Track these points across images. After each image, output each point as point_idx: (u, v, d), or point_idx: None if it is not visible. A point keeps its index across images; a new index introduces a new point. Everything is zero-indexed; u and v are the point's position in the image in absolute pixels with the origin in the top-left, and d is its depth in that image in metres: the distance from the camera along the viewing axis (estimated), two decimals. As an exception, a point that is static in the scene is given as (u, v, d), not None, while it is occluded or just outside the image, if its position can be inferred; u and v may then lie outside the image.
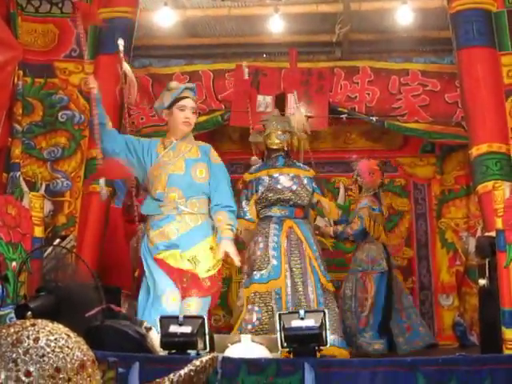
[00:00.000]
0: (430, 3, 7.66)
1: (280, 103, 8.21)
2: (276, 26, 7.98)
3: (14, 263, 4.85)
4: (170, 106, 5.79)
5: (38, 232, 5.24)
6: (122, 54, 6.15)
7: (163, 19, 7.98)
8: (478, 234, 8.07)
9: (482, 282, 6.51)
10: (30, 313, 3.70)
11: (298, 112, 7.52)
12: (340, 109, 8.47)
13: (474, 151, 6.60)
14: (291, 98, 8.10)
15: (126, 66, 6.16)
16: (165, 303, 5.18)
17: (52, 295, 4.05)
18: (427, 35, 8.21)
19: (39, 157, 6.94)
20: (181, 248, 5.40)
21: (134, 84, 6.20)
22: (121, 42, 6.15)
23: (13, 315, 4.62)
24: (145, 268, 5.49)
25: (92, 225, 6.68)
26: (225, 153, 8.53)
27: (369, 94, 8.43)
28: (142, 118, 8.50)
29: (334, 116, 8.42)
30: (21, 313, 4.01)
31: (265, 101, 8.31)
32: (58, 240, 6.02)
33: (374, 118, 8.31)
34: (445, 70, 8.15)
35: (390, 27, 8.13)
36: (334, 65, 8.55)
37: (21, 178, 6.60)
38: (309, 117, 8.05)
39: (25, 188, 6.48)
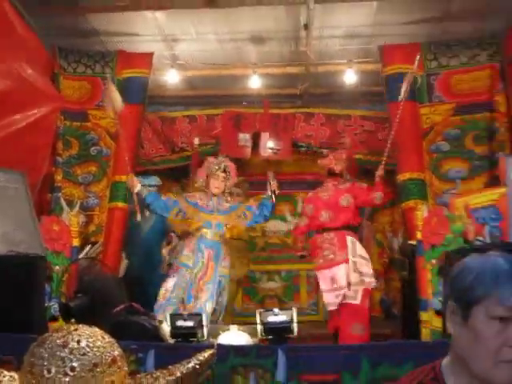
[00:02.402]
0: (368, 67, 7.63)
1: (256, 139, 8.19)
2: (254, 82, 7.91)
3: (57, 267, 4.80)
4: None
5: (75, 242, 5.19)
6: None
7: (170, 77, 7.90)
8: (400, 236, 8.12)
9: (404, 273, 6.58)
10: (73, 319, 3.61)
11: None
12: (300, 143, 8.48)
13: (400, 177, 6.67)
14: (264, 136, 8.10)
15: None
16: None
17: (87, 296, 4.00)
18: (365, 89, 8.17)
19: (75, 181, 6.94)
20: None
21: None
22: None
23: (56, 307, 4.58)
24: None
25: (115, 232, 6.70)
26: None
27: (321, 133, 8.43)
28: (152, 150, 8.42)
29: (295, 148, 8.39)
30: (63, 309, 3.97)
31: (245, 137, 8.29)
32: (89, 245, 5.96)
33: (324, 150, 8.29)
34: (378, 115, 8.17)
35: (338, 83, 8.07)
36: (296, 111, 8.51)
37: (61, 198, 6.54)
38: (278, 149, 8.08)
39: (64, 205, 6.40)
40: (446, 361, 1.51)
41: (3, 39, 5.58)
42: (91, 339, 1.45)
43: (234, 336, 3.75)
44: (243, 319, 6.90)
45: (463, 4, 6.43)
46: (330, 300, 5.79)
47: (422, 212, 4.96)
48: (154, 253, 7.13)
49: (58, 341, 1.43)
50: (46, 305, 4.48)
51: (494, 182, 5.59)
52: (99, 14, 6.74)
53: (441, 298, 4.25)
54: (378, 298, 8.62)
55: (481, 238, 4.04)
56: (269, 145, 8.16)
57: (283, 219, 8.27)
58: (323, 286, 5.90)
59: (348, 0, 6.41)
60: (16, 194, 4.43)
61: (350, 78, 7.81)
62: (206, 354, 2.10)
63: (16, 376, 1.64)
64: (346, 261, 5.76)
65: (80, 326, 1.51)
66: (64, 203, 6.40)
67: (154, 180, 7.32)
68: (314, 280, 7.37)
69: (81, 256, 5.44)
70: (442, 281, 4.24)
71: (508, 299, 1.36)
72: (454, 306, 1.44)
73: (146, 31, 7.12)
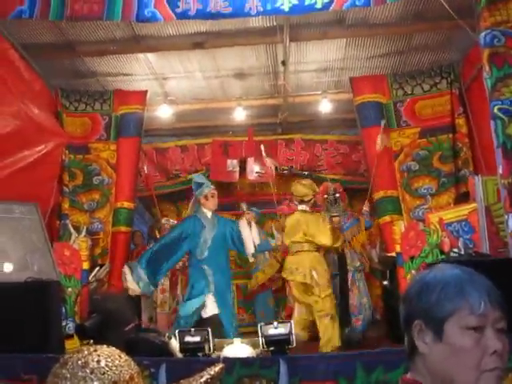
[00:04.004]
0: (341, 96, 7.70)
1: (242, 165, 8.20)
2: (238, 113, 7.97)
3: (69, 289, 4.74)
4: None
5: (85, 265, 5.13)
6: None
7: (163, 111, 7.91)
8: (377, 247, 8.11)
9: (385, 282, 6.56)
10: (91, 340, 3.55)
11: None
12: (282, 167, 8.48)
13: (376, 196, 6.70)
14: (250, 161, 8.09)
15: None
16: None
17: (100, 316, 3.93)
18: (338, 116, 8.25)
19: (81, 208, 6.92)
20: None
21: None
22: None
23: (71, 326, 4.51)
24: None
25: (119, 254, 6.64)
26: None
27: (301, 157, 8.47)
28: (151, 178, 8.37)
29: (278, 171, 8.40)
30: (80, 328, 3.90)
31: (232, 163, 8.28)
32: (97, 267, 5.90)
33: (305, 173, 8.34)
34: (352, 139, 8.25)
35: (314, 112, 8.15)
36: (278, 138, 8.60)
37: (69, 224, 6.49)
38: (262, 173, 8.07)
39: (72, 231, 6.35)
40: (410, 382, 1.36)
41: (12, 84, 5.56)
42: (110, 359, 1.41)
43: (238, 348, 3.70)
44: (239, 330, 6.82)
45: (423, 38, 6.55)
46: None
47: (399, 227, 4.99)
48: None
49: (79, 362, 1.38)
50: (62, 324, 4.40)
51: (462, 196, 5.64)
52: (95, 57, 6.75)
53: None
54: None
55: (456, 250, 4.04)
56: (255, 169, 8.11)
57: (272, 236, 8.19)
58: None
59: (320, 38, 6.48)
60: (31, 224, 4.38)
61: (324, 106, 7.89)
62: (217, 368, 2.04)
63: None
64: None
65: (98, 346, 1.46)
66: (72, 229, 6.37)
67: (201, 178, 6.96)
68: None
69: (91, 278, 5.36)
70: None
71: (478, 308, 1.25)
72: (421, 324, 1.31)
73: (139, 71, 7.16)
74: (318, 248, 6.10)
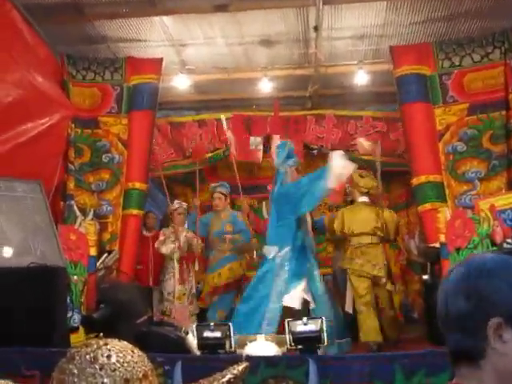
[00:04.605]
0: (380, 67, 7.62)
1: (267, 143, 8.12)
2: (263, 85, 7.93)
3: (75, 277, 4.76)
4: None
5: (93, 251, 5.16)
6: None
7: (179, 82, 7.90)
8: (416, 237, 8.03)
9: (425, 277, 6.51)
10: (102, 333, 3.56)
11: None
12: (311, 146, 8.41)
13: (415, 181, 6.66)
14: (276, 139, 8.02)
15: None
16: None
17: (109, 307, 3.94)
18: (375, 90, 8.17)
19: (88, 189, 6.93)
20: None
21: None
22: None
23: (76, 318, 4.54)
24: None
25: (129, 240, 6.68)
26: (227, 179, 8.46)
27: (333, 135, 8.38)
28: (163, 155, 8.35)
29: (307, 151, 8.33)
30: (87, 320, 3.92)
31: (256, 141, 8.23)
32: (106, 254, 5.92)
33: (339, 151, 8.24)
34: (390, 115, 8.12)
35: (348, 85, 8.09)
36: (307, 113, 8.48)
37: (74, 206, 6.51)
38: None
39: (77, 213, 6.39)
40: None
41: (14, 49, 5.56)
42: (121, 354, 1.38)
43: (262, 346, 3.68)
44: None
45: (474, 2, 6.43)
46: None
47: (443, 214, 4.92)
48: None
49: (87, 356, 1.36)
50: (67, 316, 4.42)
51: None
52: (106, 20, 6.75)
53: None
54: (398, 301, 8.53)
55: (510, 241, 3.96)
56: (280, 148, 8.05)
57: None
58: None
59: (357, 0, 6.39)
60: (34, 204, 4.40)
61: (360, 78, 7.81)
62: (240, 367, 2.01)
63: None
64: None
65: (109, 340, 1.44)
66: (77, 211, 6.40)
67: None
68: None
69: (98, 265, 5.38)
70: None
71: None
72: (501, 322, 1.23)
73: (154, 37, 7.14)
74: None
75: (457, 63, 6.85)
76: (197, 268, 7.09)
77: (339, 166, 5.70)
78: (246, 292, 5.84)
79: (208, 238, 7.30)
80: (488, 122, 6.59)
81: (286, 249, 5.70)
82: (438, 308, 1.34)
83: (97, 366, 1.34)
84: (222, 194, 7.24)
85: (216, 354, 3.45)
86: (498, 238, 4.08)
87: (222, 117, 7.88)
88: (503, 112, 6.54)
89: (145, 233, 7.32)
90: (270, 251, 5.72)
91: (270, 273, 5.61)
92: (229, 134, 7.87)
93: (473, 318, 1.26)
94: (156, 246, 6.85)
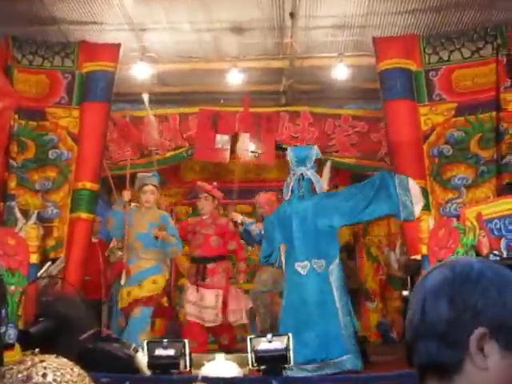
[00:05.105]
0: (361, 60, 7.63)
1: (235, 141, 8.05)
2: (233, 77, 7.86)
3: (12, 287, 4.65)
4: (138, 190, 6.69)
5: (34, 259, 5.02)
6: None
7: (139, 71, 7.79)
8: (397, 250, 8.04)
9: (406, 293, 6.48)
10: (37, 349, 3.43)
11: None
12: (285, 146, 8.34)
13: (398, 186, 6.57)
14: (244, 137, 7.96)
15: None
16: None
17: (50, 321, 3.82)
18: (357, 86, 8.16)
19: (32, 188, 6.79)
20: None
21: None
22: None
23: (12, 333, 4.41)
24: None
25: (77, 247, 6.54)
26: (188, 182, 8.35)
27: (309, 134, 8.36)
28: (118, 153, 8.25)
29: (279, 152, 8.28)
30: (22, 335, 3.81)
31: (222, 139, 8.14)
32: (49, 262, 5.78)
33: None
34: (371, 114, 8.15)
35: (326, 79, 8.04)
36: (280, 110, 8.49)
37: (16, 207, 6.37)
38: (259, 153, 7.96)
39: (19, 216, 6.24)
40: None
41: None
42: (59, 372, 1.34)
43: (221, 366, 3.58)
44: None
45: (465, -9, 6.42)
46: None
47: (426, 223, 4.88)
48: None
49: (19, 375, 1.32)
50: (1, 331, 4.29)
51: (505, 188, 5.52)
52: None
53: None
54: (375, 320, 8.54)
55: (496, 252, 3.93)
56: (249, 147, 7.99)
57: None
58: None
59: (338, -14, 6.35)
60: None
61: (340, 72, 7.77)
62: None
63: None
64: None
65: (46, 356, 1.40)
66: (19, 213, 6.26)
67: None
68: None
69: (40, 274, 5.25)
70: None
71: None
72: (486, 333, 1.18)
73: (111, 19, 7.03)
74: None
75: (445, 58, 6.86)
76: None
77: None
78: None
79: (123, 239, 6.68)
80: (477, 125, 6.61)
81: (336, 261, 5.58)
82: (409, 312, 1.26)
83: (30, 386, 1.33)
84: (155, 186, 6.73)
85: (169, 375, 3.36)
86: (485, 249, 4.05)
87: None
88: (493, 113, 6.54)
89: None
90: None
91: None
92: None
93: (454, 326, 1.19)
94: (106, 254, 6.71)
